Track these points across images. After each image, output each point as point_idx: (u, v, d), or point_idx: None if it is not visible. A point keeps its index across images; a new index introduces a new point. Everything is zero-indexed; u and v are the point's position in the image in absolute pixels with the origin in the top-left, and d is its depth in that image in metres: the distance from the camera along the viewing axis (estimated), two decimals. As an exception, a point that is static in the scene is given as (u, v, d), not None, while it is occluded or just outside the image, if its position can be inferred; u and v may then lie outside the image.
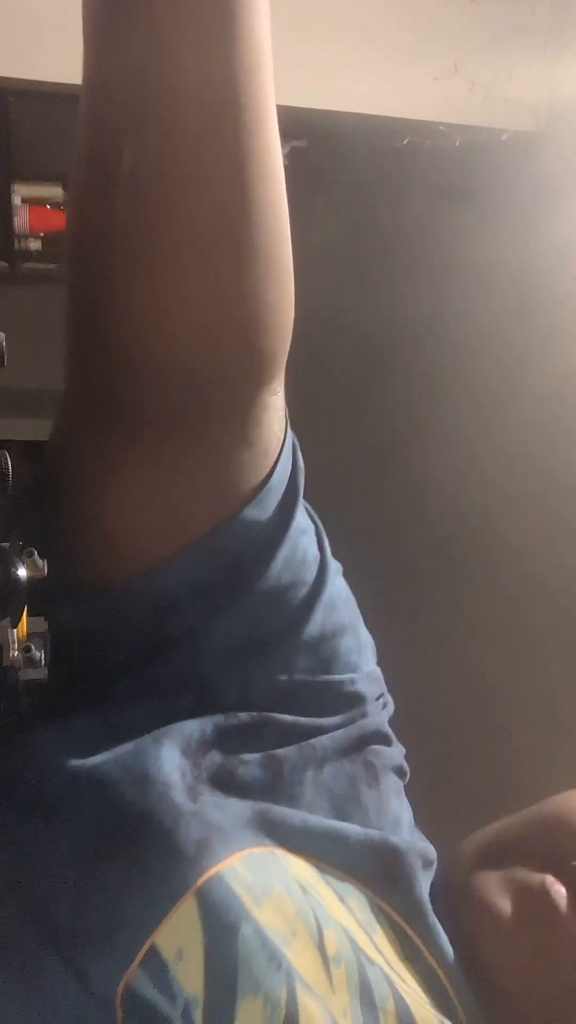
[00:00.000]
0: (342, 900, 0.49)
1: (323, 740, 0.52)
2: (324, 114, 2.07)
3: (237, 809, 0.47)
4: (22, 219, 2.36)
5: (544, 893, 0.51)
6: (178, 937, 0.41)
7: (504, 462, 2.43)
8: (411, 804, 0.61)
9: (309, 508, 0.61)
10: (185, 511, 0.49)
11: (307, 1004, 0.42)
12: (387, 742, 0.57)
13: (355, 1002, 0.45)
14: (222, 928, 0.42)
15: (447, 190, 2.62)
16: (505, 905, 0.52)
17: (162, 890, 0.42)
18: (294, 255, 0.52)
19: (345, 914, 0.48)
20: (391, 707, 0.61)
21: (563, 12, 2.11)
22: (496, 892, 0.52)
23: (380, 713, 0.58)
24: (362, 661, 0.59)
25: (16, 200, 2.30)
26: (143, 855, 0.43)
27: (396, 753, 0.59)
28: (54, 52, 1.88)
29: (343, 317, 3.74)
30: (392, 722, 0.63)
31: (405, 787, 0.61)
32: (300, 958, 0.44)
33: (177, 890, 0.42)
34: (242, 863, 0.45)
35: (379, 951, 0.49)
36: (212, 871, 0.43)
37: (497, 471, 2.46)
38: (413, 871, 0.52)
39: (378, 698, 0.59)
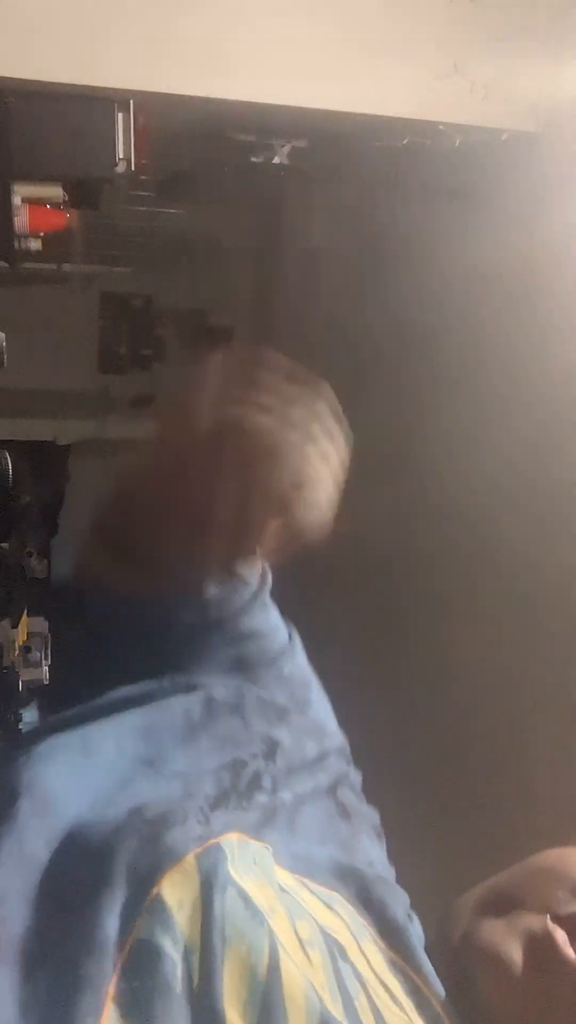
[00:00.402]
0: (328, 906, 0.54)
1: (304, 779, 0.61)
2: (324, 114, 2.07)
3: (240, 816, 0.55)
4: (22, 219, 2.36)
5: (547, 937, 0.56)
6: (179, 890, 0.47)
7: (504, 460, 2.43)
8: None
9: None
10: None
11: (287, 961, 0.47)
12: (356, 791, 0.66)
13: (332, 984, 0.50)
14: (213, 885, 0.48)
15: (447, 190, 2.62)
16: (511, 949, 0.56)
17: (168, 849, 0.49)
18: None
19: (330, 916, 0.54)
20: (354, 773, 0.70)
21: (563, 12, 2.11)
22: (501, 937, 0.57)
23: (343, 766, 0.68)
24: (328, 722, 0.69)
25: (16, 200, 2.29)
26: (154, 825, 0.50)
27: (369, 811, 0.68)
28: (54, 52, 1.88)
29: (343, 315, 3.74)
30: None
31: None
32: (280, 929, 0.49)
33: (181, 850, 0.49)
34: (239, 844, 0.51)
35: (363, 955, 0.54)
36: (213, 840, 0.50)
37: (497, 469, 2.46)
38: (384, 898, 0.58)
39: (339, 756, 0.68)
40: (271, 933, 0.48)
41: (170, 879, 0.48)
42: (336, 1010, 0.48)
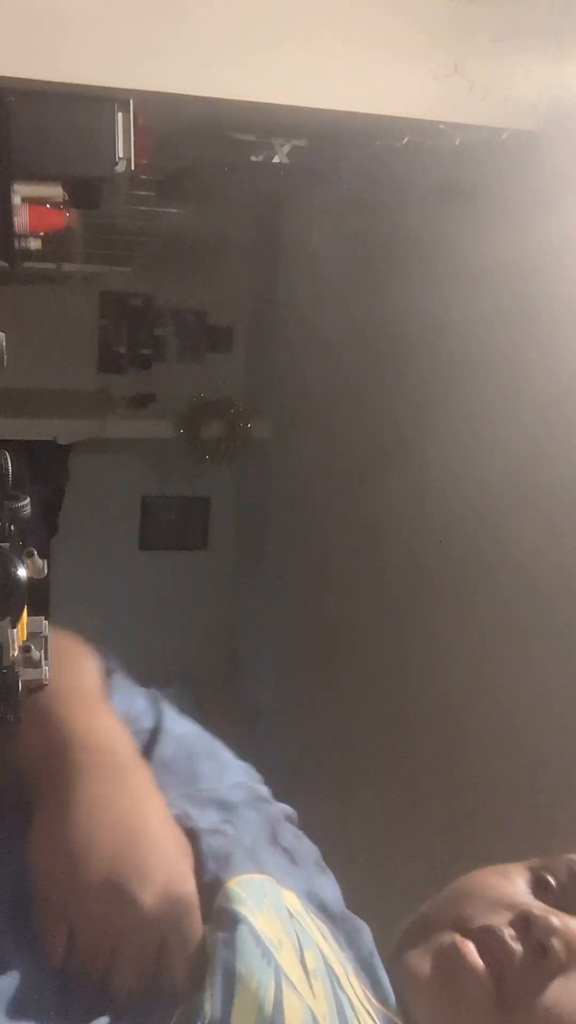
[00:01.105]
0: (323, 935, 0.60)
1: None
2: (324, 114, 2.07)
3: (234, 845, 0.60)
4: (22, 219, 2.36)
5: (453, 948, 0.60)
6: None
7: (505, 461, 2.43)
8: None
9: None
10: None
11: (290, 996, 0.52)
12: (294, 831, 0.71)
13: (332, 1014, 0.54)
14: (226, 922, 0.54)
15: (447, 190, 2.62)
16: (425, 966, 0.61)
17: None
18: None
19: (325, 944, 0.59)
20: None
21: (563, 12, 2.11)
22: (418, 958, 0.62)
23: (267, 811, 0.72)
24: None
25: (16, 200, 2.29)
26: None
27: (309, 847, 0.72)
28: (54, 52, 1.88)
29: (343, 316, 3.74)
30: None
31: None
32: (286, 962, 0.54)
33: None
34: (239, 885, 0.56)
35: (351, 983, 0.59)
36: (228, 883, 0.56)
37: (497, 470, 2.46)
38: (354, 933, 0.64)
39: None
40: (277, 969, 0.53)
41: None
42: None
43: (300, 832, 0.72)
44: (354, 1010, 0.57)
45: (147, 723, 0.74)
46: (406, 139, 2.20)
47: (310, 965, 0.56)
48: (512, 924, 0.61)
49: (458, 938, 0.61)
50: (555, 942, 0.59)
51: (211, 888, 0.57)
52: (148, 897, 0.53)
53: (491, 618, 2.48)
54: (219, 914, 0.55)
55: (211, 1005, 0.51)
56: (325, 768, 3.80)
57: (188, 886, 0.56)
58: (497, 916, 0.62)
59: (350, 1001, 0.58)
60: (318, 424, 3.97)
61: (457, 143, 2.21)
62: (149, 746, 0.71)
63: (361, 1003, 0.58)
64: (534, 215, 2.30)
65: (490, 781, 2.44)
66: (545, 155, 2.20)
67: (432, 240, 2.91)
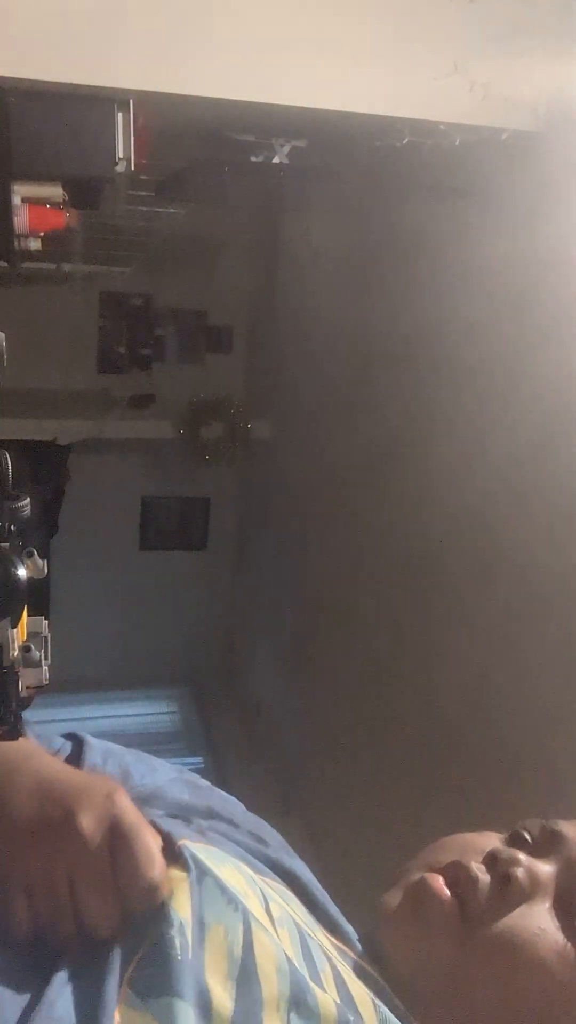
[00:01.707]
0: (284, 899, 0.62)
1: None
2: (324, 114, 2.07)
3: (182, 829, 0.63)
4: (22, 219, 2.36)
5: (423, 881, 0.63)
6: (170, 882, 0.56)
7: (504, 461, 2.43)
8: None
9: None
10: None
11: (261, 936, 0.55)
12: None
13: (299, 956, 0.57)
14: (196, 874, 0.57)
15: (447, 190, 2.62)
16: (395, 900, 0.64)
17: None
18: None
19: (286, 902, 0.62)
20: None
21: (563, 12, 2.11)
22: (389, 896, 0.65)
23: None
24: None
25: (16, 200, 2.29)
26: None
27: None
28: (54, 52, 1.88)
29: (343, 315, 3.74)
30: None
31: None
32: (253, 908, 0.57)
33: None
34: (196, 846, 0.60)
35: (318, 933, 0.62)
36: (178, 843, 0.59)
37: (497, 470, 2.46)
38: (321, 896, 0.67)
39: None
40: (245, 912, 0.56)
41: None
42: (304, 974, 0.55)
43: (250, 814, 0.74)
44: (327, 955, 0.59)
45: (68, 749, 0.77)
46: (406, 139, 2.20)
47: (275, 914, 0.59)
48: (482, 861, 0.64)
49: (427, 874, 0.64)
50: (519, 871, 0.62)
51: (168, 844, 0.59)
52: (85, 821, 0.55)
53: (490, 617, 2.48)
54: (184, 868, 0.57)
55: (190, 938, 0.53)
56: (324, 765, 3.81)
57: (124, 801, 0.57)
58: (468, 857, 0.65)
59: (320, 945, 0.60)
60: (318, 424, 3.97)
61: (457, 143, 2.21)
62: (77, 759, 0.74)
63: (330, 949, 0.62)
64: (534, 215, 2.30)
65: (490, 780, 2.44)
66: (545, 155, 2.20)
67: (432, 240, 2.91)
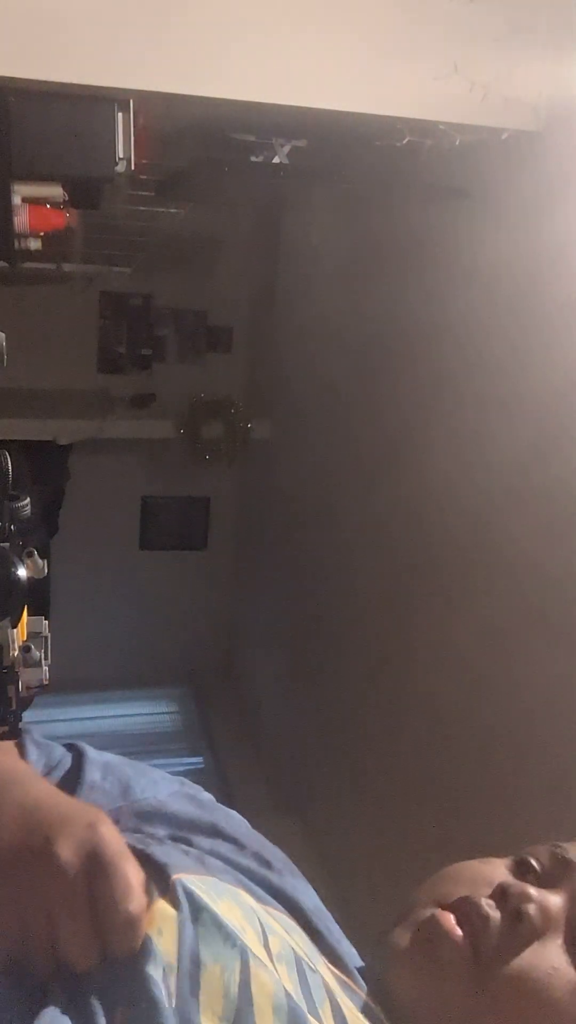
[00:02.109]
0: (286, 929, 0.60)
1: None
2: (324, 114, 2.07)
3: (182, 859, 0.62)
4: (22, 219, 2.36)
5: (433, 919, 0.62)
6: (157, 920, 0.54)
7: (504, 461, 2.43)
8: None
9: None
10: None
11: (259, 973, 0.54)
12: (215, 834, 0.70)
13: (298, 992, 0.56)
14: (188, 912, 0.55)
15: (447, 190, 2.62)
16: (405, 939, 0.63)
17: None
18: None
19: (287, 934, 0.60)
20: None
21: (563, 12, 2.11)
22: (398, 933, 0.63)
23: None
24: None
25: (16, 200, 2.29)
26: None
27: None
28: (54, 52, 1.88)
29: (343, 315, 3.74)
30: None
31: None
32: (252, 943, 0.56)
33: (150, 894, 0.55)
34: (192, 879, 0.58)
35: (321, 968, 0.60)
36: (173, 878, 0.57)
37: (497, 469, 2.46)
38: (323, 925, 0.65)
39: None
40: (243, 949, 0.54)
41: (147, 916, 0.54)
42: (303, 1007, 0.54)
43: (252, 831, 0.72)
44: (328, 990, 0.58)
45: (68, 762, 0.74)
46: (406, 139, 2.20)
47: (274, 950, 0.58)
48: (491, 896, 0.63)
49: (437, 911, 0.62)
50: (531, 908, 0.61)
51: (161, 878, 0.58)
52: (64, 850, 0.53)
53: (490, 616, 2.48)
54: (177, 906, 0.56)
55: (174, 987, 0.52)
56: (324, 765, 3.81)
57: (107, 831, 0.55)
58: (477, 891, 0.63)
59: (322, 979, 0.59)
60: (318, 424, 3.97)
61: (457, 143, 2.21)
62: (76, 775, 0.72)
63: (332, 982, 0.61)
64: (534, 215, 2.30)
65: (488, 779, 2.44)
66: (545, 155, 2.20)
67: (432, 240, 2.91)
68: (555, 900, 0.62)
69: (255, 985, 0.53)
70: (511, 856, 0.68)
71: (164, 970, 0.52)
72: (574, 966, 0.60)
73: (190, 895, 0.56)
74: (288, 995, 0.54)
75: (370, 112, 2.08)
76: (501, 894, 0.62)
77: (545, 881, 0.64)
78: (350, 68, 2.05)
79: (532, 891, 0.62)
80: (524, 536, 2.32)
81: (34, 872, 0.54)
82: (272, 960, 0.56)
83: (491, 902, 0.62)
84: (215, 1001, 0.52)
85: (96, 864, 0.53)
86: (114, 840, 0.55)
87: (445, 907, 0.63)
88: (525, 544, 2.32)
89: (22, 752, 0.73)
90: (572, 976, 0.60)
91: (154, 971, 0.52)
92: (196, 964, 0.53)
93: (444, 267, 2.80)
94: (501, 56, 2.09)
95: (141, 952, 0.53)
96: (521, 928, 0.60)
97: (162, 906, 0.56)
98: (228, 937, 0.55)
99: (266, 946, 0.57)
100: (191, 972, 0.53)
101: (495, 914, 0.61)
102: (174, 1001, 0.52)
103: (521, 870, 0.66)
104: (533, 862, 0.66)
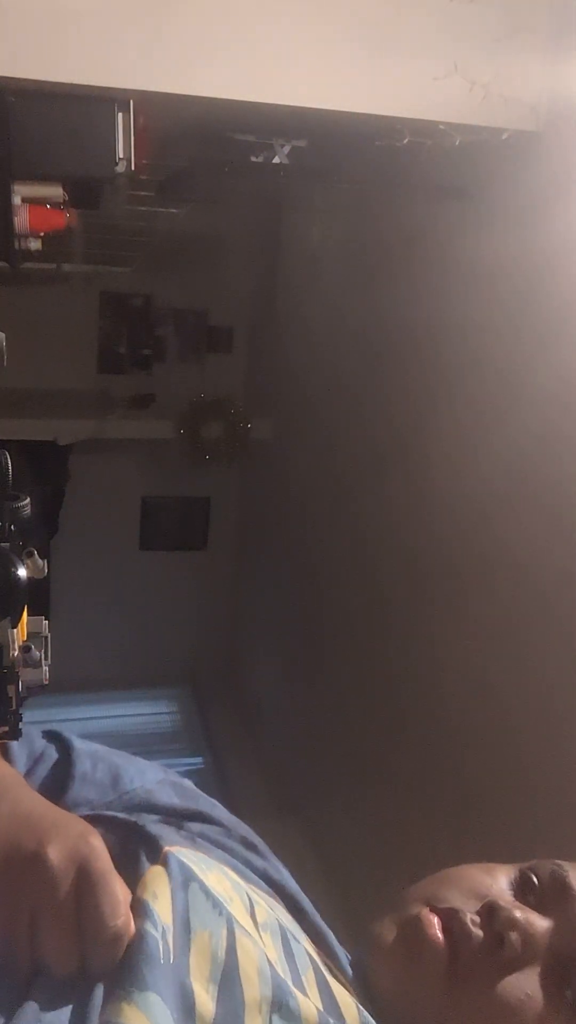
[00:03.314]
0: (270, 907, 0.63)
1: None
2: (324, 114, 2.07)
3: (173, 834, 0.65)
4: (22, 219, 2.36)
5: (418, 918, 0.63)
6: (152, 887, 0.57)
7: (503, 461, 2.43)
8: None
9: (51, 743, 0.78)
10: None
11: (243, 940, 0.56)
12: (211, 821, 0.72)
13: (282, 959, 0.58)
14: (180, 880, 0.58)
15: (447, 190, 2.62)
16: (390, 932, 0.64)
17: (134, 867, 0.59)
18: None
19: (272, 910, 0.63)
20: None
21: (563, 12, 2.11)
22: (384, 925, 0.65)
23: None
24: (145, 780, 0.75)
25: (16, 200, 2.29)
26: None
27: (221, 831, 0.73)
28: (54, 52, 1.88)
29: (343, 315, 3.74)
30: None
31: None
32: (238, 913, 0.58)
33: (144, 864, 0.59)
34: (184, 852, 0.61)
35: (306, 942, 0.62)
36: (166, 849, 0.60)
37: (496, 470, 2.46)
38: (309, 908, 0.67)
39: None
40: (230, 918, 0.57)
41: (142, 884, 0.57)
42: (286, 979, 0.56)
43: (235, 818, 0.74)
44: (311, 959, 0.60)
45: (54, 753, 0.75)
46: (406, 139, 2.20)
47: (260, 919, 0.60)
48: (479, 912, 0.63)
49: (425, 911, 0.63)
50: (513, 936, 0.61)
51: (154, 849, 0.60)
52: (55, 858, 0.54)
53: (490, 616, 2.48)
54: (170, 875, 0.58)
55: (172, 943, 0.54)
56: (324, 764, 3.81)
57: (97, 844, 0.56)
58: (468, 902, 0.64)
59: (305, 950, 0.61)
60: (318, 424, 3.97)
61: (457, 143, 2.21)
62: (66, 767, 0.72)
63: (315, 955, 0.62)
64: (534, 215, 2.30)
65: (489, 780, 2.44)
66: (545, 155, 2.20)
67: (432, 240, 2.91)
68: (541, 927, 0.62)
69: (240, 951, 0.56)
70: (514, 866, 0.68)
71: (163, 930, 0.54)
72: (545, 996, 0.60)
73: (181, 865, 0.59)
74: (271, 963, 0.56)
75: (370, 112, 2.08)
76: (489, 912, 0.62)
77: (540, 902, 0.64)
78: (350, 68, 2.05)
79: (519, 916, 0.62)
80: (526, 535, 2.32)
81: (23, 874, 0.54)
82: (258, 928, 0.59)
83: (476, 918, 0.62)
84: (204, 963, 0.55)
85: (86, 875, 0.54)
86: (103, 854, 0.56)
87: (433, 909, 0.63)
88: (527, 543, 2.32)
89: (3, 750, 0.73)
90: (541, 1006, 0.60)
91: (152, 930, 0.54)
92: (186, 928, 0.56)
93: (444, 267, 2.80)
94: (501, 56, 2.09)
95: (139, 913, 0.54)
96: (501, 954, 0.61)
97: (156, 872, 0.58)
98: (215, 905, 0.57)
99: (252, 916, 0.60)
100: (182, 935, 0.55)
101: (478, 932, 0.61)
102: (172, 957, 0.54)
103: (520, 886, 0.66)
104: (533, 879, 0.66)
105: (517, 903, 0.64)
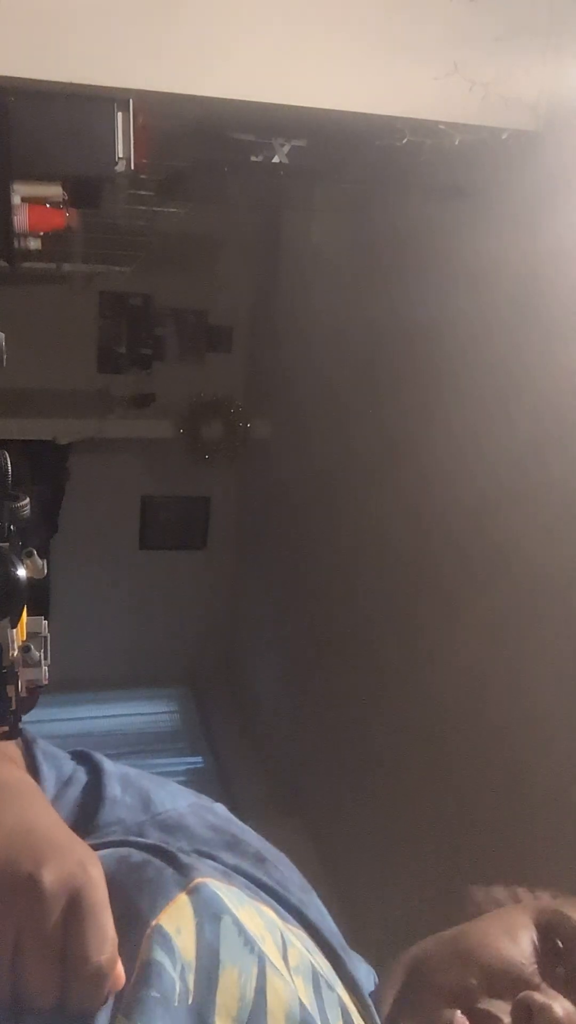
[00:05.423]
0: (308, 950, 0.61)
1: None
2: (324, 114, 2.07)
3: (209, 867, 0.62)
4: (22, 219, 2.36)
5: None
6: (176, 919, 0.55)
7: (504, 460, 2.43)
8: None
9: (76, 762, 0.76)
10: None
11: (275, 981, 0.55)
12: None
13: (313, 1006, 0.56)
14: (209, 914, 0.56)
15: (447, 190, 2.62)
16: None
17: (161, 892, 0.57)
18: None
19: (307, 952, 0.60)
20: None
21: (563, 12, 2.11)
22: None
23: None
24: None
25: (16, 200, 2.30)
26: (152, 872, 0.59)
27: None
28: (54, 52, 1.88)
29: (343, 315, 3.74)
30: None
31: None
32: (270, 953, 0.56)
33: (172, 891, 0.57)
34: (217, 885, 0.59)
35: (339, 989, 0.60)
36: (198, 880, 0.58)
37: (497, 469, 2.46)
38: (340, 947, 0.65)
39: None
40: (262, 956, 0.55)
41: (167, 912, 0.55)
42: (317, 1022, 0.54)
43: (270, 847, 0.71)
44: (343, 1008, 0.58)
45: (83, 776, 0.72)
46: (406, 139, 2.20)
47: (292, 962, 0.58)
48: (515, 1010, 0.61)
49: (458, 1016, 0.61)
50: None
51: (186, 878, 0.58)
52: (48, 881, 0.52)
53: (490, 616, 2.48)
54: (199, 906, 0.56)
55: (192, 984, 0.53)
56: (325, 764, 3.81)
57: (95, 873, 0.54)
58: (501, 994, 0.62)
59: (338, 997, 0.59)
60: (318, 424, 3.97)
61: (457, 143, 2.21)
62: (96, 790, 0.70)
63: (347, 1002, 0.60)
64: (534, 215, 2.30)
65: (489, 780, 2.44)
66: (545, 155, 2.20)
67: (432, 240, 2.91)
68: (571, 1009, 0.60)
69: (270, 992, 0.54)
70: (530, 914, 0.66)
71: (183, 968, 0.52)
72: None
73: (213, 896, 0.57)
74: (303, 1006, 0.54)
75: (370, 112, 2.08)
76: (526, 1013, 0.60)
77: (571, 963, 0.63)
78: (350, 68, 2.05)
79: (558, 1012, 0.59)
80: (525, 535, 2.32)
81: (14, 893, 0.52)
82: (289, 971, 0.57)
83: (509, 1020, 0.60)
84: (231, 1002, 0.53)
85: (77, 904, 0.51)
86: (100, 885, 0.53)
87: (466, 1012, 0.61)
88: (526, 543, 2.32)
89: (33, 765, 0.71)
90: None
91: (170, 968, 0.52)
92: (215, 963, 0.54)
93: (444, 267, 2.80)
94: (501, 56, 2.09)
95: (159, 947, 0.53)
96: None
97: (182, 903, 0.56)
98: (247, 942, 0.55)
99: (285, 957, 0.58)
100: (209, 970, 0.53)
101: None
102: (191, 998, 0.52)
103: (544, 955, 0.64)
104: (559, 944, 0.64)
105: (548, 988, 0.62)
